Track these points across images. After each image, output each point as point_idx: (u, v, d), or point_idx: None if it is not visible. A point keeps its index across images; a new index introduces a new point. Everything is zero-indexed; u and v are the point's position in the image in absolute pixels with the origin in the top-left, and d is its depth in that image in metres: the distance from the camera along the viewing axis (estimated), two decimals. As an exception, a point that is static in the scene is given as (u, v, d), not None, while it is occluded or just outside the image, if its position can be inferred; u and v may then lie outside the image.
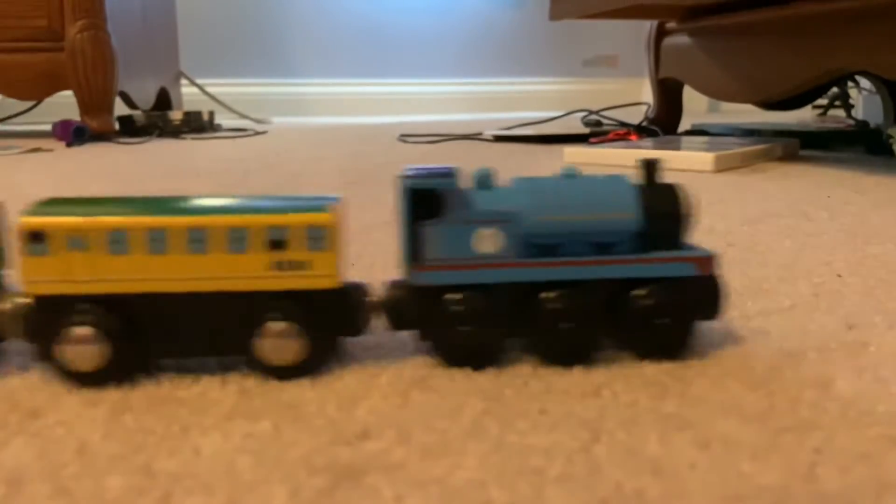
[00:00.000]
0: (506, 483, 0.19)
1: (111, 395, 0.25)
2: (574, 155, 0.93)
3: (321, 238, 0.25)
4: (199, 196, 0.27)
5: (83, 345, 0.25)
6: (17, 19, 1.33)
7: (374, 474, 0.20)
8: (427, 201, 0.26)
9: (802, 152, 1.01)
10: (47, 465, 0.20)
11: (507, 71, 2.47)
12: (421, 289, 0.26)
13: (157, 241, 0.25)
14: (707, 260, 0.27)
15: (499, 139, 1.26)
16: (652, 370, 0.26)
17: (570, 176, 0.27)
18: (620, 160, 0.89)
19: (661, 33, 1.19)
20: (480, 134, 1.31)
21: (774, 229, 0.51)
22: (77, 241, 0.25)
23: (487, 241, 0.26)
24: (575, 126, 1.28)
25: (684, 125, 1.26)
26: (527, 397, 0.24)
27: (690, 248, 0.27)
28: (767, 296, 0.36)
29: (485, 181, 0.27)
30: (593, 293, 0.26)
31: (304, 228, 0.25)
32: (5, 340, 0.27)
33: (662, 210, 0.27)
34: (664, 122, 1.22)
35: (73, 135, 1.27)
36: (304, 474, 0.20)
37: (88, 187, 0.76)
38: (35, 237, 0.25)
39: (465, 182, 0.27)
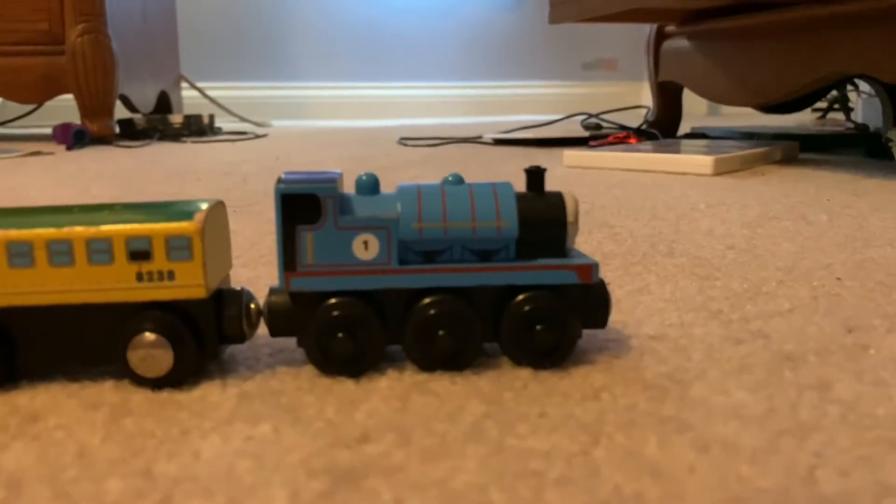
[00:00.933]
0: (505, 486, 0.19)
1: (111, 398, 0.25)
2: (574, 158, 0.93)
3: (184, 248, 0.25)
4: (87, 205, 0.26)
5: None
6: (17, 22, 1.34)
7: (374, 477, 0.20)
8: (303, 207, 0.26)
9: (802, 155, 1.01)
10: (47, 468, 0.20)
11: (507, 74, 2.48)
12: (297, 295, 0.26)
13: (21, 255, 0.25)
14: (587, 268, 0.26)
15: (498, 142, 1.26)
16: (651, 373, 0.26)
17: (455, 183, 0.27)
18: (620, 163, 0.89)
19: (660, 37, 1.19)
20: (480, 137, 1.31)
21: (774, 232, 0.51)
22: None
23: (363, 248, 0.26)
24: (574, 129, 1.28)
25: (684, 128, 1.27)
26: (526, 400, 0.24)
27: (578, 255, 0.27)
28: (767, 299, 0.36)
29: (367, 187, 0.27)
30: (472, 301, 0.26)
31: (166, 238, 0.25)
32: None
33: (543, 218, 0.26)
34: (664, 126, 1.22)
35: (74, 138, 1.27)
36: (303, 477, 0.20)
37: (89, 190, 0.76)
38: None
39: (348, 188, 0.27)
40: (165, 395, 0.25)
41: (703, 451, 0.21)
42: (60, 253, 0.24)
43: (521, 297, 0.26)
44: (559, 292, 0.27)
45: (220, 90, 1.95)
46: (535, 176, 0.27)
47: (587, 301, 0.27)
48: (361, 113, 2.32)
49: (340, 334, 0.26)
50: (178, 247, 0.25)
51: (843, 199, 0.65)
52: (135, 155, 1.15)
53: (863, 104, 1.59)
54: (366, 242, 0.26)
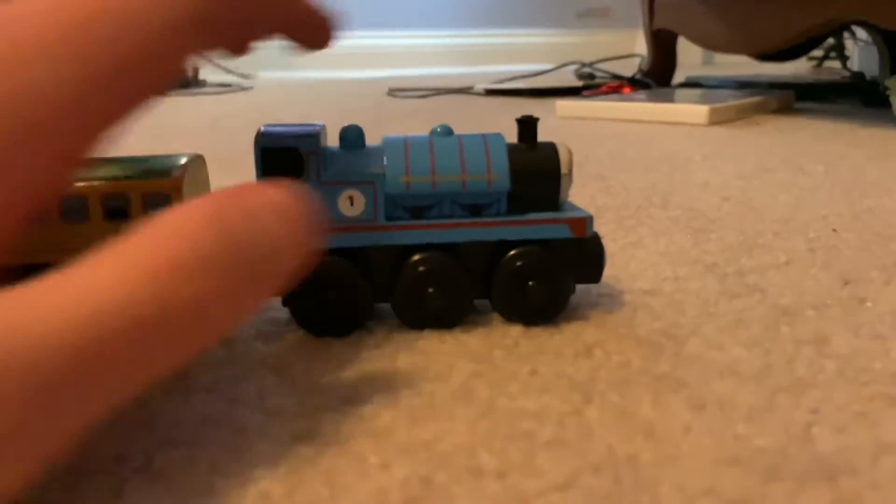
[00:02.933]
0: (495, 448, 0.18)
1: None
2: (566, 108, 0.91)
3: (162, 205, 0.23)
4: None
5: None
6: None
7: (360, 440, 0.19)
8: (285, 162, 0.24)
9: (798, 104, 0.99)
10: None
11: (499, 22, 2.42)
12: None
13: None
14: (581, 221, 0.25)
15: (490, 93, 1.23)
16: (645, 330, 0.26)
17: (444, 134, 0.26)
18: (613, 113, 0.88)
19: (655, -18, 1.15)
20: (471, 88, 1.28)
21: (769, 183, 0.50)
22: None
23: (349, 204, 0.25)
24: (567, 79, 1.25)
25: (678, 78, 1.24)
26: (517, 358, 0.24)
27: (571, 208, 0.26)
28: (763, 251, 0.35)
29: (352, 140, 0.25)
30: (462, 257, 0.25)
31: (143, 196, 0.24)
32: None
33: (535, 170, 0.25)
34: (658, 75, 1.20)
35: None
36: (288, 440, 0.19)
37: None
38: None
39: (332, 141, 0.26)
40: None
41: (699, 410, 0.20)
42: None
43: (512, 252, 0.25)
44: (551, 247, 0.26)
45: (203, 40, 1.89)
46: (528, 126, 0.26)
47: (580, 255, 0.26)
48: (349, 63, 2.26)
49: (328, 294, 0.25)
50: (156, 204, 0.24)
51: (839, 149, 0.64)
52: (116, 108, 1.12)
53: (859, 52, 1.56)
54: (351, 198, 0.25)
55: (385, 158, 0.25)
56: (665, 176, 0.54)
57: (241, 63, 1.91)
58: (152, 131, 0.83)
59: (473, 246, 0.26)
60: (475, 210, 0.25)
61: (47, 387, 0.13)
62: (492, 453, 0.18)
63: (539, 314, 0.26)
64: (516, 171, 0.25)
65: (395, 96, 1.22)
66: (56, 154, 0.15)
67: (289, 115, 0.97)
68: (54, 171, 0.16)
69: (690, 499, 0.16)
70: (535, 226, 0.25)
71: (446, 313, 0.25)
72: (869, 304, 0.28)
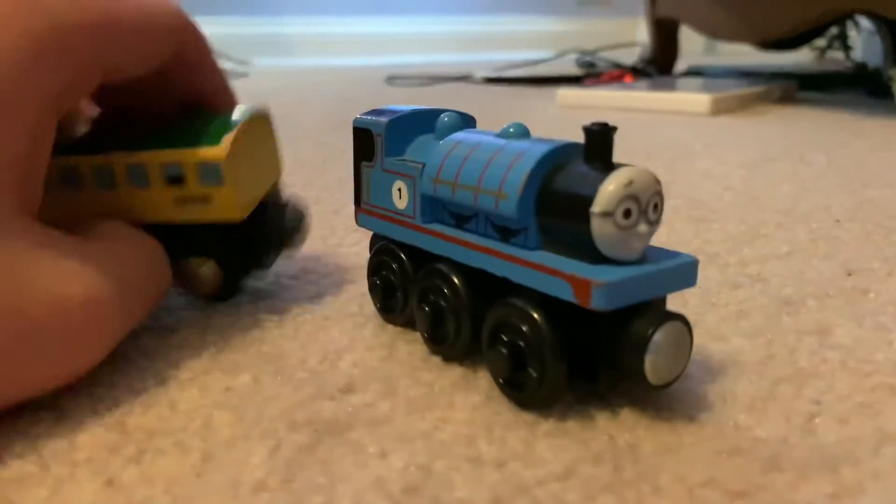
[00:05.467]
0: (495, 437, 0.18)
1: (84, 348, 0.24)
2: (568, 97, 0.91)
3: (215, 173, 0.24)
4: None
5: None
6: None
7: (359, 429, 0.19)
8: (366, 142, 0.24)
9: (800, 94, 0.99)
10: (17, 423, 0.19)
11: (499, 8, 2.40)
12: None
13: (72, 179, 0.26)
14: (585, 285, 0.18)
15: (490, 81, 1.22)
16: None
17: (514, 135, 0.21)
18: (615, 102, 0.87)
19: (658, -31, 1.14)
20: (471, 76, 1.27)
21: (772, 173, 0.50)
22: None
23: (398, 195, 0.24)
24: (568, 67, 1.24)
25: (680, 67, 1.23)
26: (517, 348, 0.23)
27: (627, 262, 0.19)
28: (765, 241, 0.35)
29: (446, 129, 0.23)
30: (475, 280, 0.22)
31: (196, 164, 0.24)
32: None
33: (559, 201, 0.19)
34: (660, 64, 1.19)
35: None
36: (284, 430, 0.19)
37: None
38: None
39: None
40: (141, 342, 0.24)
41: (700, 401, 0.20)
42: (105, 176, 0.25)
43: (502, 303, 0.20)
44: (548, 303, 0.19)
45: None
46: (599, 138, 0.19)
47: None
48: (348, 50, 2.25)
49: (375, 279, 0.25)
50: (208, 172, 0.24)
51: (842, 139, 0.64)
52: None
53: (862, 42, 1.55)
54: (399, 190, 0.23)
55: (432, 155, 0.22)
56: (667, 165, 0.53)
57: (236, 49, 1.89)
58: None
59: (484, 272, 0.21)
60: (504, 234, 0.21)
61: None
62: (491, 443, 0.18)
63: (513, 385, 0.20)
64: (542, 197, 0.19)
65: (393, 84, 1.22)
66: None
67: (285, 102, 0.96)
68: None
69: (691, 489, 0.16)
70: (533, 271, 0.19)
71: (433, 333, 0.23)
72: (871, 294, 0.28)
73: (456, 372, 0.22)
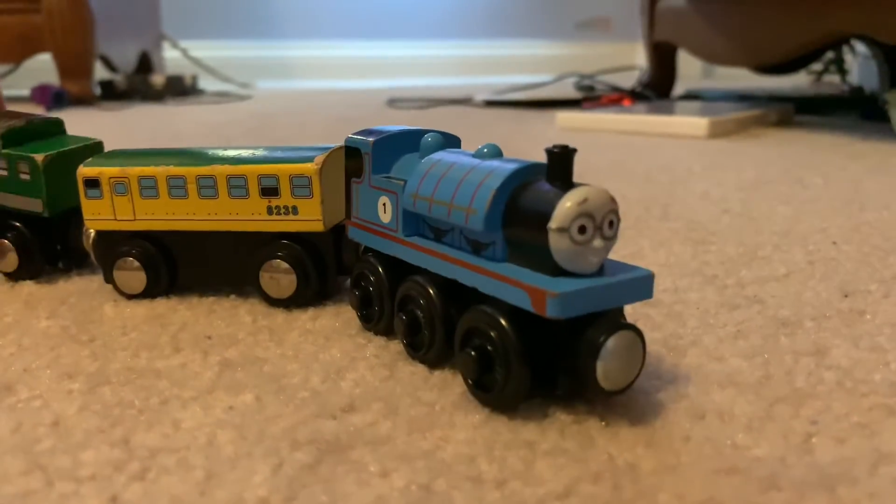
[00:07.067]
0: (495, 457, 0.18)
1: (88, 367, 0.24)
2: (567, 120, 0.92)
3: (305, 186, 0.28)
4: (228, 147, 0.31)
5: (130, 272, 0.30)
6: (-9, -21, 1.28)
7: (360, 448, 0.19)
8: (355, 159, 0.26)
9: (797, 118, 1.00)
10: (21, 439, 0.20)
11: (498, 33, 2.43)
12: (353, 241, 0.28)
13: (177, 187, 0.29)
14: (540, 294, 0.19)
15: (490, 104, 1.24)
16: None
17: (487, 155, 0.22)
18: (614, 125, 0.88)
19: (655, -5, 1.16)
20: (471, 99, 1.29)
21: (769, 195, 0.51)
22: (119, 186, 0.30)
23: (383, 210, 0.25)
24: (567, 90, 1.26)
25: (678, 90, 1.25)
26: (517, 368, 0.24)
27: (581, 274, 0.20)
28: (763, 263, 0.35)
29: (429, 149, 0.24)
30: (448, 289, 0.23)
31: (290, 177, 0.28)
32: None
33: (522, 216, 0.21)
34: (658, 87, 1.20)
35: (52, 100, 1.23)
36: (287, 448, 0.19)
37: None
38: (90, 183, 0.30)
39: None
40: (144, 363, 0.25)
41: (698, 420, 0.20)
42: (206, 187, 0.29)
43: (472, 310, 0.21)
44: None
45: (202, 50, 1.89)
46: (558, 159, 0.20)
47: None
48: (349, 73, 2.27)
49: (355, 290, 0.27)
50: (300, 185, 0.28)
51: (838, 162, 0.64)
52: (117, 117, 1.12)
53: (858, 66, 1.57)
54: (384, 205, 0.25)
55: (413, 172, 0.24)
56: (665, 187, 0.54)
57: (239, 72, 1.92)
58: (152, 136, 0.83)
59: (457, 282, 0.22)
60: (476, 247, 0.22)
61: None
62: (492, 462, 0.18)
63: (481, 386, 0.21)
64: (508, 213, 0.21)
65: (394, 106, 1.23)
66: None
67: (287, 124, 0.97)
68: None
69: (690, 508, 0.16)
70: (496, 281, 0.20)
71: (411, 340, 0.24)
72: (868, 316, 0.28)
73: (456, 391, 0.22)
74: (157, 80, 1.46)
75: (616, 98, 1.09)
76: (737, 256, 0.36)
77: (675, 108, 0.97)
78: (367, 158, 0.25)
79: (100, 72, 1.37)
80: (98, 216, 0.30)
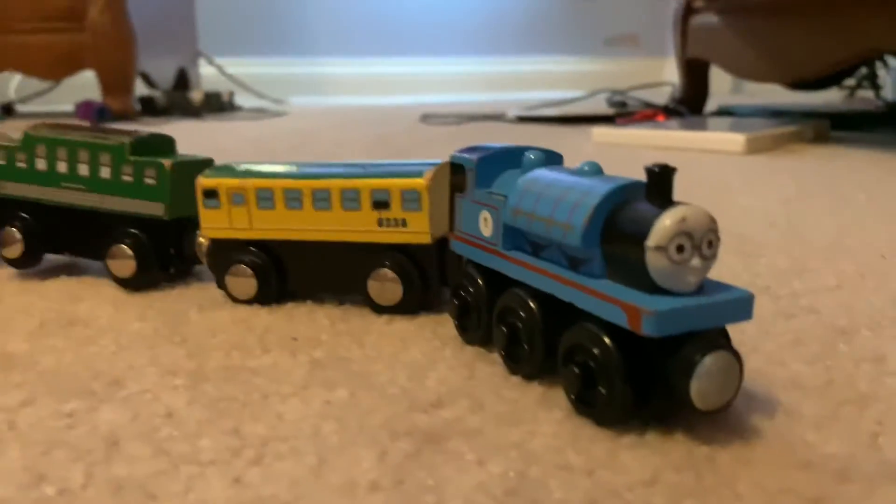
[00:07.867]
0: (581, 448, 0.20)
1: (186, 366, 0.26)
2: (603, 135, 0.93)
3: (415, 200, 0.30)
4: (339, 163, 0.32)
5: (243, 278, 0.32)
6: (38, 0, 1.34)
7: (455, 439, 0.20)
8: (459, 175, 0.27)
9: (833, 134, 1.00)
10: (142, 427, 0.22)
11: (528, 49, 2.45)
12: (456, 254, 0.29)
13: (293, 199, 0.31)
14: (636, 312, 0.20)
15: (522, 120, 1.26)
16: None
17: (588, 173, 0.23)
18: (649, 141, 0.89)
19: (688, 11, 1.17)
20: (503, 115, 1.31)
21: (814, 210, 0.51)
22: (237, 197, 0.32)
23: (484, 224, 0.26)
24: (599, 106, 1.27)
25: (709, 106, 1.25)
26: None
27: (689, 291, 0.20)
28: (814, 275, 0.36)
29: (531, 166, 0.25)
30: (548, 306, 0.24)
31: (401, 191, 0.30)
32: (201, 264, 0.34)
33: (619, 234, 0.21)
34: (690, 103, 1.21)
35: (96, 115, 1.28)
36: (387, 438, 0.21)
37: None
38: (209, 194, 0.32)
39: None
40: (238, 362, 0.26)
41: (768, 419, 0.22)
42: (321, 200, 0.31)
43: (576, 327, 0.22)
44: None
45: (238, 66, 1.94)
46: (659, 178, 0.20)
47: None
48: (381, 90, 2.31)
49: (455, 299, 0.28)
50: (410, 199, 0.30)
51: (878, 176, 0.65)
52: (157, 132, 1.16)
53: (892, 81, 1.56)
54: (485, 219, 0.26)
55: (514, 188, 0.25)
56: (708, 201, 0.55)
57: (274, 88, 1.96)
58: (196, 152, 0.86)
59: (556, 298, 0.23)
60: (573, 263, 0.22)
61: None
62: (579, 452, 0.20)
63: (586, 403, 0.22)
64: (606, 230, 0.21)
65: (427, 122, 1.25)
66: None
67: (325, 139, 1.00)
68: None
69: (771, 495, 0.18)
70: (594, 298, 0.21)
71: (509, 351, 0.25)
72: (922, 325, 0.29)
73: (536, 390, 0.23)
74: (196, 96, 1.50)
75: (650, 114, 1.10)
76: (787, 268, 0.37)
77: (708, 123, 0.98)
78: (470, 174, 0.27)
79: (139, 88, 1.42)
80: (215, 225, 0.33)
